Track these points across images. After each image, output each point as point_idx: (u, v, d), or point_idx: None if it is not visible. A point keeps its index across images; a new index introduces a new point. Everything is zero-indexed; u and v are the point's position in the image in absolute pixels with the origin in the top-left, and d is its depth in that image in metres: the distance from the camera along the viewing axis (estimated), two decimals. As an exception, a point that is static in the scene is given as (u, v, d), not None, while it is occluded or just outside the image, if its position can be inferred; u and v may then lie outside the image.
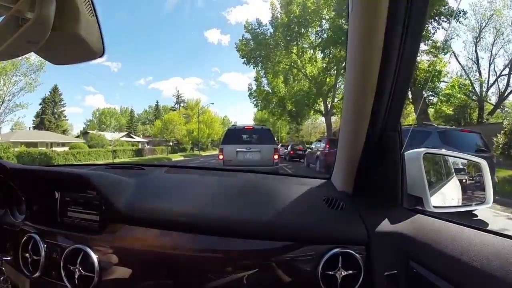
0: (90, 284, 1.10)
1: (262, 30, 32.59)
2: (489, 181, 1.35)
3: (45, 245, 1.21)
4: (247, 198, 1.29)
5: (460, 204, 1.46)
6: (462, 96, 22.49)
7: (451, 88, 19.90)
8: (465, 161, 1.58)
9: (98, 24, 0.81)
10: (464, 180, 1.51)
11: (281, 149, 24.46)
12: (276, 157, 10.59)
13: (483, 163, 1.39)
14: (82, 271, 1.11)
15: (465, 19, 22.91)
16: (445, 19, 19.33)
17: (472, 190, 1.49)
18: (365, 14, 0.87)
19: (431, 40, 19.62)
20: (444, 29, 19.95)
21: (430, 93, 19.98)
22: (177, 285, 1.09)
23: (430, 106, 20.41)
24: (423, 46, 19.03)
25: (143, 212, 1.18)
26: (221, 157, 10.55)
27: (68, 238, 1.21)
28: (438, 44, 19.89)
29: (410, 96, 19.21)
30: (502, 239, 0.89)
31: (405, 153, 1.16)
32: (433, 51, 19.52)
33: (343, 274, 1.02)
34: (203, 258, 1.08)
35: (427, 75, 18.62)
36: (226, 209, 1.19)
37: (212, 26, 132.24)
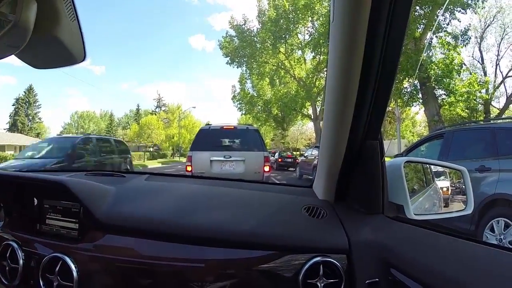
0: None
1: (248, 26, 32.36)
2: (470, 188, 1.41)
3: (23, 254, 1.22)
4: (227, 207, 1.33)
5: (441, 211, 1.53)
6: (483, 95, 20.95)
7: (469, 86, 18.12)
8: (447, 169, 1.65)
9: (80, 29, 0.83)
10: (445, 189, 1.58)
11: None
12: (267, 168, 8.10)
13: (464, 170, 1.45)
14: (60, 280, 1.13)
15: (483, 8, 21.97)
16: (459, 9, 18.15)
17: (453, 197, 1.55)
18: (346, 25, 0.91)
19: (445, 31, 18.34)
20: (458, 20, 18.80)
21: (443, 92, 18.59)
22: None
23: (444, 107, 19.25)
24: (435, 39, 18.12)
25: (123, 220, 1.20)
26: (189, 168, 7.98)
27: (46, 247, 1.23)
28: (451, 36, 18.49)
29: (420, 96, 18.50)
30: (481, 247, 0.96)
31: (386, 161, 1.21)
32: (451, 42, 18.09)
33: (324, 283, 1.05)
34: (184, 268, 1.11)
35: (444, 69, 17.31)
36: (206, 218, 1.22)
37: (196, 32, 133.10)
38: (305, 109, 33.75)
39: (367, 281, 1.04)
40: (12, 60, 0.86)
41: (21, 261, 1.22)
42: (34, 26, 0.72)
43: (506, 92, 24.87)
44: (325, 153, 1.25)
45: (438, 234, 1.06)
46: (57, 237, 1.27)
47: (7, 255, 1.25)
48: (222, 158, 8.06)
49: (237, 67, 33.77)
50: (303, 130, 58.67)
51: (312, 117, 33.46)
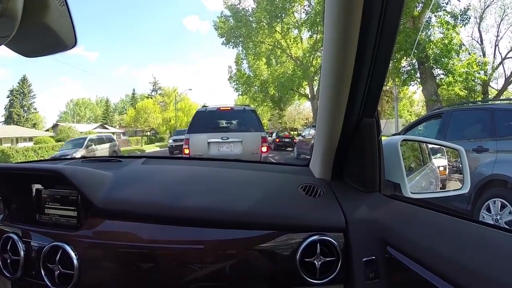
0: (71, 281, 1.13)
1: (243, 6, 31.83)
2: (467, 167, 1.42)
3: (23, 245, 1.24)
4: (225, 188, 1.35)
5: (437, 190, 1.54)
6: (482, 76, 20.36)
7: (468, 66, 17.90)
8: (443, 148, 1.65)
9: (69, 14, 0.81)
10: (442, 169, 1.59)
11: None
12: (264, 149, 8.08)
13: (461, 150, 1.46)
14: (61, 269, 1.14)
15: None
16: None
17: (450, 176, 1.56)
18: (341, 3, 0.90)
19: (444, 10, 17.82)
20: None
21: (441, 71, 18.43)
22: (158, 277, 1.13)
23: (442, 86, 19.11)
24: (433, 18, 17.82)
25: (121, 205, 1.21)
26: (186, 151, 7.96)
27: (46, 236, 1.24)
28: (450, 16, 17.92)
29: (418, 75, 18.45)
30: (477, 226, 0.97)
31: (382, 140, 1.22)
32: (450, 22, 17.62)
33: (321, 261, 1.08)
34: (183, 249, 1.13)
35: (443, 48, 17.13)
36: (204, 199, 1.23)
37: (190, 13, 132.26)
38: (302, 89, 33.47)
39: (363, 259, 1.06)
40: (3, 51, 0.84)
41: (22, 253, 1.23)
42: (22, 14, 0.71)
43: (505, 74, 24.60)
44: (321, 132, 1.26)
45: (434, 212, 1.07)
46: (56, 226, 1.29)
47: (8, 247, 1.26)
48: (219, 140, 8.03)
49: (233, 48, 33.26)
50: (300, 109, 58.59)
51: (309, 97, 33.26)
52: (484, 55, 25.19)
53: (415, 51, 16.46)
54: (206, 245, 1.13)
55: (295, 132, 40.91)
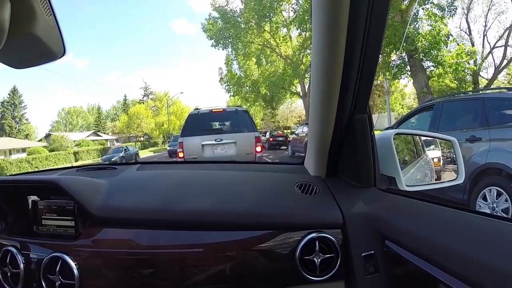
0: None
1: (231, 7, 31.78)
2: (461, 158, 1.43)
3: (23, 258, 1.23)
4: (221, 190, 1.35)
5: (433, 182, 1.55)
6: (472, 66, 20.39)
7: (457, 57, 17.81)
8: (437, 140, 1.66)
9: (57, 23, 0.81)
10: (436, 160, 1.60)
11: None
12: (258, 149, 8.11)
13: (454, 141, 1.47)
14: (62, 279, 1.14)
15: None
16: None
17: (444, 167, 1.57)
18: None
19: (431, 3, 17.79)
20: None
21: (431, 63, 18.48)
22: (159, 282, 1.13)
23: (433, 78, 19.08)
24: (421, 11, 17.87)
25: (117, 212, 1.21)
26: (181, 154, 7.94)
27: (45, 247, 1.23)
28: (438, 8, 17.90)
29: (408, 68, 18.53)
30: (473, 216, 0.98)
31: (376, 134, 1.23)
32: (438, 13, 17.62)
33: (321, 258, 1.08)
34: (183, 254, 1.13)
35: (431, 40, 17.04)
36: (201, 202, 1.23)
37: (177, 17, 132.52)
38: (294, 87, 33.55)
39: (362, 254, 1.06)
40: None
41: (21, 265, 1.22)
42: (9, 25, 0.70)
43: (494, 63, 24.62)
44: (314, 129, 1.26)
45: (431, 204, 1.08)
46: (54, 236, 1.28)
47: (7, 260, 1.25)
48: (213, 142, 8.00)
49: (223, 49, 33.19)
50: (293, 108, 58.66)
51: (301, 94, 33.32)
52: (473, 45, 25.01)
53: (404, 44, 16.50)
54: (205, 248, 1.13)
55: (289, 131, 41.06)
